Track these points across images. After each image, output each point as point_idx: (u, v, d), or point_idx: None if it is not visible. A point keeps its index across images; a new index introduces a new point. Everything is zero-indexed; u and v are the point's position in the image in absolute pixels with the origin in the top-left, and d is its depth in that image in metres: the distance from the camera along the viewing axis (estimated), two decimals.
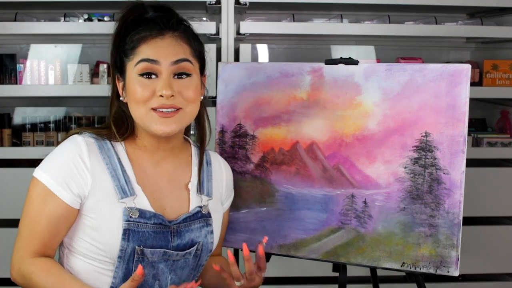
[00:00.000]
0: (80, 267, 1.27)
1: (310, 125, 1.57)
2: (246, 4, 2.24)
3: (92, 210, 1.24)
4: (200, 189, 1.37)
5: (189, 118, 1.31)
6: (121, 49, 1.28)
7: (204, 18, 2.36)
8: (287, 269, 2.34)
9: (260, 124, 1.62)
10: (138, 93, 1.24)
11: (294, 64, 1.60)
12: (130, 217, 1.24)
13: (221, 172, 1.46)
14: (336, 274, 1.58)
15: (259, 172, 1.62)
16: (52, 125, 2.35)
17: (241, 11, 2.41)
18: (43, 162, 1.26)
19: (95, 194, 1.24)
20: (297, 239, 1.57)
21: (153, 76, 1.25)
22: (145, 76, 1.25)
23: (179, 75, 1.27)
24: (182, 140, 1.40)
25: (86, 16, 2.27)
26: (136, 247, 1.24)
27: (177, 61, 1.25)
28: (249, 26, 2.25)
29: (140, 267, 1.12)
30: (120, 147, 1.30)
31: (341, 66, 1.55)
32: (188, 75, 1.28)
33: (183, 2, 2.33)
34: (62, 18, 2.32)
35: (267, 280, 2.35)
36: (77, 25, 2.25)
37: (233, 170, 1.62)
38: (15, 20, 2.27)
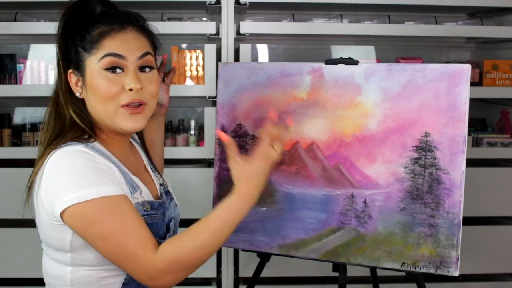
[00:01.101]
0: (92, 277, 1.21)
1: (310, 125, 1.57)
2: (246, 4, 2.24)
3: None
4: (152, 168, 1.39)
5: (151, 112, 1.28)
6: (77, 43, 1.23)
7: (204, 18, 2.36)
8: (287, 269, 2.34)
9: (260, 124, 1.62)
10: (104, 88, 1.20)
11: (294, 64, 1.60)
12: (145, 210, 1.23)
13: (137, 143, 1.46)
14: (336, 274, 1.58)
15: None
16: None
17: (241, 11, 2.41)
18: (67, 187, 1.13)
19: (123, 189, 1.20)
20: (297, 239, 1.57)
21: (118, 70, 1.21)
22: (110, 70, 1.20)
23: (143, 68, 1.24)
24: None
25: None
26: None
27: (141, 56, 1.23)
28: (249, 26, 2.25)
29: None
30: (99, 146, 1.24)
31: (341, 66, 1.55)
32: (151, 68, 1.26)
33: (183, 2, 2.33)
34: None
35: (267, 280, 2.36)
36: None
37: None
38: (15, 20, 2.27)
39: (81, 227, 1.14)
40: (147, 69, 1.25)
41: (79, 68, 1.23)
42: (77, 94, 1.25)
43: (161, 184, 1.38)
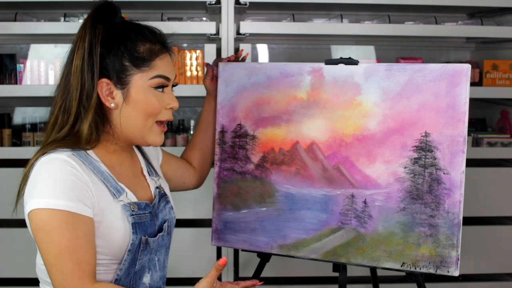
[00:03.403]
0: None
1: (310, 125, 1.57)
2: (246, 4, 2.24)
3: (97, 217, 1.23)
4: (150, 172, 1.43)
5: None
6: (123, 57, 1.26)
7: (204, 18, 2.36)
8: (287, 269, 2.34)
9: (260, 124, 1.62)
10: (154, 105, 1.28)
11: (294, 64, 1.60)
12: (133, 211, 1.28)
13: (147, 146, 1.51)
14: (336, 274, 1.58)
15: (259, 172, 1.62)
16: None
17: (241, 11, 2.41)
18: (40, 192, 1.18)
19: (99, 201, 1.24)
20: (297, 239, 1.57)
21: (164, 90, 1.32)
22: (159, 89, 1.30)
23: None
24: None
25: (86, 16, 2.27)
26: (142, 237, 1.28)
27: (175, 78, 1.36)
28: (249, 26, 2.25)
29: (224, 258, 1.20)
30: (91, 152, 1.29)
31: (341, 66, 1.55)
32: (174, 86, 1.38)
33: (183, 2, 2.33)
34: (62, 18, 2.32)
35: (267, 280, 2.36)
36: (77, 25, 2.23)
37: (233, 170, 1.63)
38: (15, 20, 2.27)
39: (34, 229, 1.19)
40: (173, 89, 1.37)
41: (120, 80, 1.27)
42: (111, 105, 1.27)
43: (157, 187, 1.42)
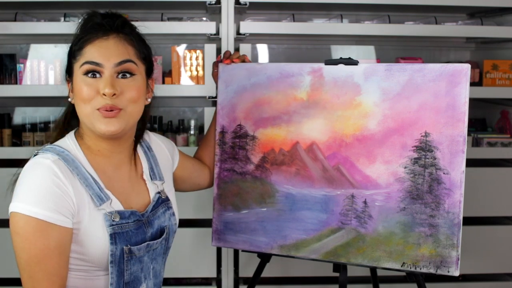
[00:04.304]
0: (70, 283, 1.26)
1: (310, 125, 1.57)
2: (246, 4, 2.24)
3: (76, 225, 1.24)
4: (152, 176, 1.42)
5: (131, 118, 1.31)
6: (70, 52, 1.32)
7: (204, 18, 2.36)
8: (288, 269, 2.34)
9: (260, 125, 1.62)
10: (83, 92, 1.26)
11: (294, 65, 1.60)
12: (113, 220, 1.26)
13: (161, 147, 1.51)
14: (337, 274, 1.58)
15: (259, 172, 1.62)
16: (52, 125, 2.35)
17: (241, 11, 2.41)
18: (20, 196, 1.20)
19: (79, 209, 1.24)
20: (297, 240, 1.57)
21: (97, 75, 1.27)
22: (89, 75, 1.27)
23: (123, 74, 1.29)
24: (132, 141, 1.41)
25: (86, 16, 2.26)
26: (124, 247, 1.27)
27: (120, 63, 1.28)
28: (249, 26, 2.25)
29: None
30: (81, 156, 1.29)
31: (341, 66, 1.55)
32: (132, 74, 1.30)
33: (183, 2, 2.33)
34: (62, 18, 2.32)
35: (267, 280, 2.36)
36: (77, 25, 2.24)
37: (233, 171, 1.63)
38: (15, 20, 2.27)
39: (11, 231, 1.20)
40: (128, 75, 1.30)
41: (70, 74, 1.33)
42: (69, 100, 1.34)
43: (158, 192, 1.40)
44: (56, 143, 1.31)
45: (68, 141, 1.31)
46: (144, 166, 1.42)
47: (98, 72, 1.27)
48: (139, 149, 1.44)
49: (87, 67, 1.27)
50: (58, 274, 1.20)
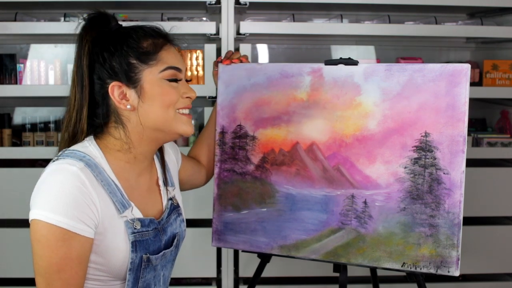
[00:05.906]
0: None
1: (310, 125, 1.57)
2: (246, 4, 2.24)
3: (98, 236, 1.21)
4: (165, 182, 1.41)
5: None
6: (128, 56, 1.25)
7: (204, 18, 2.36)
8: (288, 269, 2.34)
9: (260, 125, 1.62)
10: (171, 95, 1.28)
11: (294, 65, 1.60)
12: (135, 228, 1.25)
13: (168, 152, 1.50)
14: (337, 275, 1.58)
15: (259, 173, 1.62)
16: (52, 125, 2.35)
17: (241, 11, 2.41)
18: (42, 203, 1.16)
19: (104, 219, 1.21)
20: (297, 240, 1.57)
21: (178, 82, 1.31)
22: (172, 80, 1.29)
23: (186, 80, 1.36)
24: None
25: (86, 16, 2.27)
26: (143, 255, 1.26)
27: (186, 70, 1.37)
28: (249, 26, 2.25)
29: None
30: (103, 162, 1.26)
31: (340, 66, 1.55)
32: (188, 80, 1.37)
33: (183, 2, 2.33)
34: (62, 18, 2.32)
35: (267, 280, 2.36)
36: (77, 25, 2.24)
37: (233, 171, 1.63)
38: (15, 20, 2.27)
39: (31, 238, 1.17)
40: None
41: (131, 79, 1.26)
42: (128, 107, 1.26)
43: (170, 199, 1.40)
44: (74, 147, 1.24)
45: (90, 147, 1.25)
46: (158, 172, 1.41)
47: (178, 79, 1.31)
48: (154, 157, 1.43)
49: (171, 72, 1.28)
50: (76, 283, 1.18)
